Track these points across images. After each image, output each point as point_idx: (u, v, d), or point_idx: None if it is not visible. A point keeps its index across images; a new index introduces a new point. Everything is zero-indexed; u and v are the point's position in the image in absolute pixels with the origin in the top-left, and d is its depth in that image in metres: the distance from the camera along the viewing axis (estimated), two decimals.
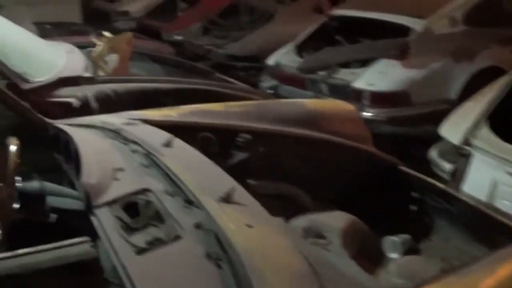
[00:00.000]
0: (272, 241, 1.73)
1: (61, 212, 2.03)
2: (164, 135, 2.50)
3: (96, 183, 2.04)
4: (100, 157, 2.29)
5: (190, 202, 1.88)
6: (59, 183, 2.41)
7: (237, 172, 2.83)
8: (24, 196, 2.01)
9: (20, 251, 1.96)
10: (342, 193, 2.98)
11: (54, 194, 2.09)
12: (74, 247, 1.93)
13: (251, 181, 2.80)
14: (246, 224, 1.74)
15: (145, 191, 1.98)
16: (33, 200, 2.05)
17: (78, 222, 2.06)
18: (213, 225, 1.73)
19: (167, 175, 2.08)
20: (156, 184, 2.04)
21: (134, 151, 2.37)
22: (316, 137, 3.07)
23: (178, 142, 2.42)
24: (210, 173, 2.16)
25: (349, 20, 7.04)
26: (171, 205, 1.89)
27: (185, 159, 2.26)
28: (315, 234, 2.59)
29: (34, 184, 2.10)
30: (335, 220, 2.64)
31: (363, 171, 3.05)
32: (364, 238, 2.67)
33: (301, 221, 2.66)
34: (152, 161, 2.23)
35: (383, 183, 3.00)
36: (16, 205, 1.94)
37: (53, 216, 2.01)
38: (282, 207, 2.83)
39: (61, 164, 2.71)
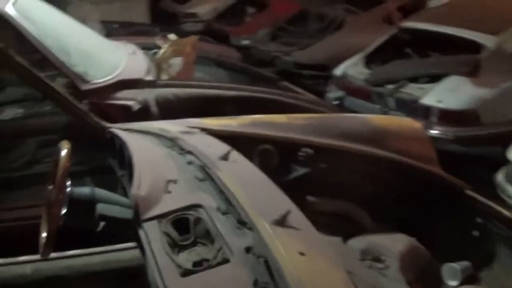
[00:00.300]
0: (325, 273, 1.64)
1: (109, 219, 1.98)
2: (222, 147, 2.43)
3: (146, 195, 1.98)
4: (154, 167, 2.24)
5: (242, 222, 1.80)
6: (113, 188, 2.40)
7: (296, 188, 2.77)
8: (73, 202, 1.97)
9: (69, 252, 1.95)
10: (403, 215, 2.89)
11: (105, 201, 2.02)
12: (123, 252, 1.90)
13: (310, 198, 2.74)
14: (299, 251, 1.64)
15: (196, 206, 1.92)
16: (82, 206, 2.00)
17: (125, 231, 2.04)
18: (264, 251, 1.64)
19: (221, 191, 2.01)
20: (209, 200, 1.97)
21: (189, 163, 2.30)
22: (380, 155, 2.96)
23: (235, 155, 2.34)
24: (267, 191, 2.07)
25: (420, 33, 6.89)
26: (222, 225, 1.81)
27: (242, 174, 2.17)
28: (372, 256, 2.54)
29: (85, 190, 2.04)
30: (395, 243, 2.59)
31: (427, 194, 2.93)
32: (423, 263, 2.60)
33: (359, 242, 2.62)
34: (207, 174, 2.16)
35: (447, 207, 2.89)
36: (63, 210, 1.91)
37: (101, 224, 1.97)
38: (341, 226, 2.78)
39: (115, 169, 2.69)
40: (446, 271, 2.61)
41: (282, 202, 1.95)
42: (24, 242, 2.22)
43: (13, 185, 3.90)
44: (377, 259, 2.49)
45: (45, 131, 4.28)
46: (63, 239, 1.96)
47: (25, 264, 1.92)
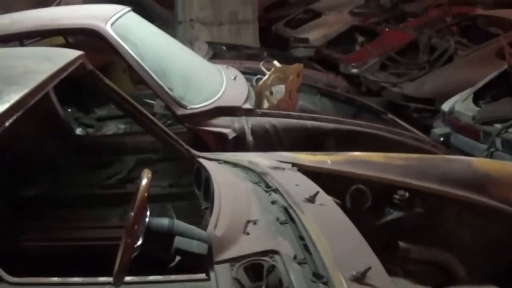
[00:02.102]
0: None
1: (186, 254, 1.93)
2: (310, 187, 2.36)
3: (223, 235, 1.95)
4: (235, 205, 2.20)
5: (318, 276, 1.72)
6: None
7: (388, 232, 2.69)
8: (151, 233, 1.94)
9: (151, 277, 1.94)
10: (502, 269, 2.74)
11: (183, 234, 1.97)
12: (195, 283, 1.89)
13: (402, 244, 2.64)
14: None
15: (273, 252, 1.86)
16: (159, 238, 1.97)
17: (201, 267, 1.98)
18: None
19: (301, 237, 1.94)
20: (287, 247, 1.90)
21: (273, 202, 2.25)
22: (482, 203, 2.81)
23: (323, 197, 2.26)
24: (350, 242, 1.98)
25: None
26: (296, 276, 1.73)
27: (326, 220, 2.09)
28: None
29: (163, 222, 2.00)
30: None
31: None
32: None
33: None
34: (289, 217, 2.10)
35: None
36: (140, 241, 1.90)
37: (177, 258, 1.93)
38: (432, 275, 2.67)
39: (200, 200, 2.67)
40: None
41: (364, 256, 1.86)
42: (109, 262, 2.23)
43: (104, 202, 3.95)
44: None
45: (144, 150, 4.38)
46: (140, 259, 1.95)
47: (105, 285, 1.92)
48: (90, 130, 5.36)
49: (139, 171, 4.08)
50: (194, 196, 2.83)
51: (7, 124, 1.78)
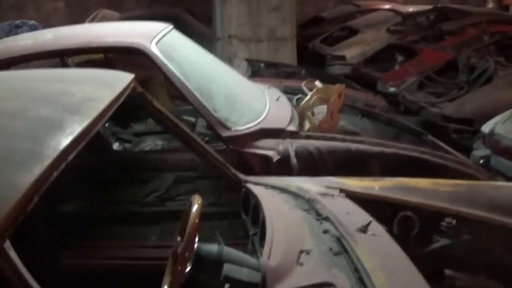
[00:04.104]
0: None
1: (235, 281, 1.94)
2: (362, 216, 2.37)
3: (277, 266, 1.94)
4: (288, 234, 2.19)
5: None
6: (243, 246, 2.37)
7: (435, 260, 2.68)
8: (200, 259, 1.96)
9: None
10: None
11: (233, 261, 1.99)
12: None
13: (448, 271, 2.63)
14: None
15: (328, 285, 1.85)
16: (208, 265, 1.99)
17: None
18: None
19: (356, 269, 1.93)
20: (341, 278, 1.89)
21: (325, 231, 2.25)
22: None
23: (375, 227, 2.27)
24: (405, 276, 1.97)
25: None
26: None
27: (380, 252, 2.09)
28: None
29: (212, 248, 2.03)
30: None
31: None
32: None
33: None
34: (342, 248, 2.10)
35: None
36: (189, 267, 1.92)
37: (227, 286, 1.94)
38: None
39: (248, 226, 2.66)
40: None
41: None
42: (147, 281, 2.25)
43: (142, 220, 3.94)
44: None
45: (183, 167, 4.33)
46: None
47: None
48: (127, 145, 5.36)
49: (178, 188, 4.15)
50: (234, 216, 2.83)
51: (70, 158, 1.73)
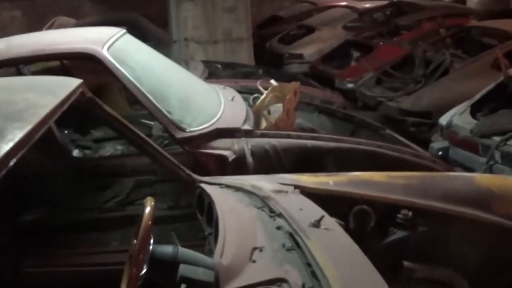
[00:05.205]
0: None
1: (191, 281, 1.92)
2: (315, 211, 2.34)
3: (229, 264, 1.93)
4: (241, 232, 2.18)
5: None
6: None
7: (393, 252, 2.67)
8: (155, 261, 1.95)
9: None
10: (508, 287, 2.72)
11: (188, 262, 1.98)
12: None
13: (406, 263, 2.63)
14: None
15: (281, 281, 1.84)
16: (164, 266, 1.98)
17: None
18: None
19: (309, 264, 1.92)
20: (294, 274, 1.88)
21: (278, 228, 2.23)
22: (485, 220, 2.79)
23: (328, 222, 2.24)
24: (358, 268, 1.96)
25: None
26: None
27: (333, 246, 2.07)
28: None
29: (167, 249, 2.02)
30: None
31: None
32: None
33: None
34: (295, 243, 2.08)
35: None
36: (144, 269, 1.89)
37: (183, 286, 1.91)
38: None
39: (203, 226, 2.64)
40: None
41: (373, 282, 1.84)
42: (111, 287, 2.22)
43: (102, 226, 3.93)
44: None
45: (142, 171, 4.34)
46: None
47: None
48: (87, 151, 5.33)
49: (138, 193, 4.14)
50: (194, 218, 2.81)
51: (11, 163, 1.74)
